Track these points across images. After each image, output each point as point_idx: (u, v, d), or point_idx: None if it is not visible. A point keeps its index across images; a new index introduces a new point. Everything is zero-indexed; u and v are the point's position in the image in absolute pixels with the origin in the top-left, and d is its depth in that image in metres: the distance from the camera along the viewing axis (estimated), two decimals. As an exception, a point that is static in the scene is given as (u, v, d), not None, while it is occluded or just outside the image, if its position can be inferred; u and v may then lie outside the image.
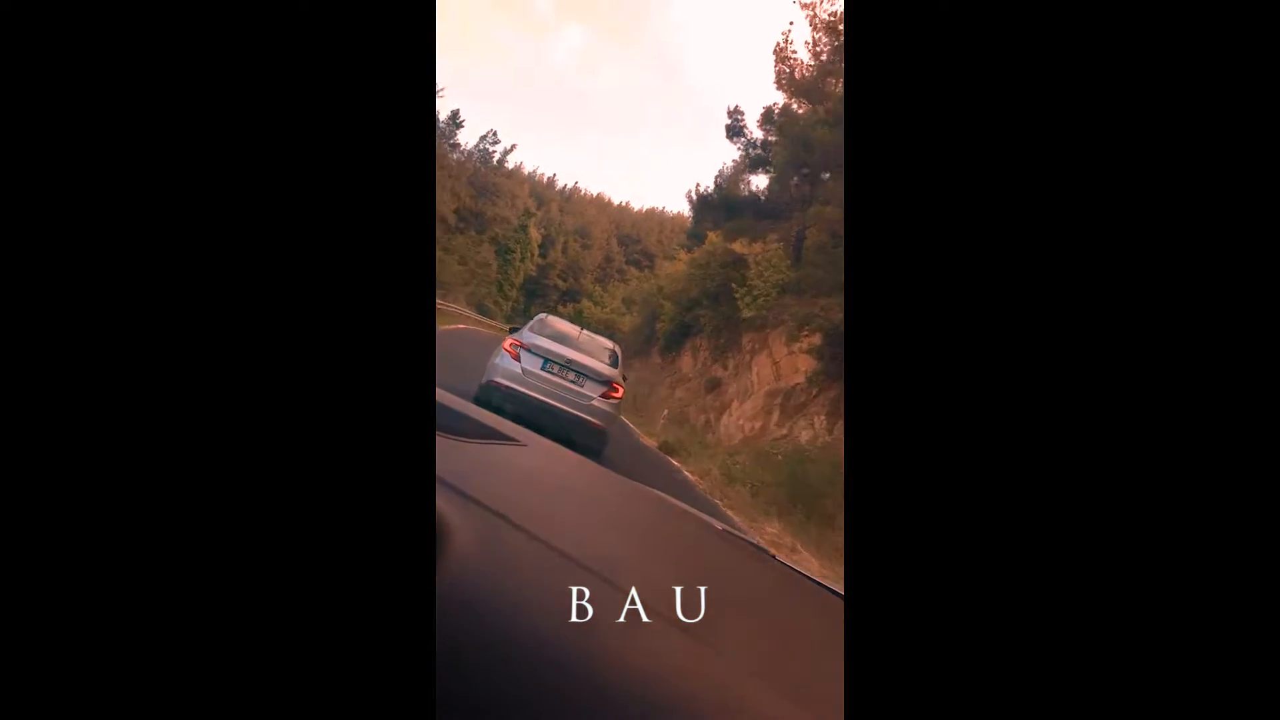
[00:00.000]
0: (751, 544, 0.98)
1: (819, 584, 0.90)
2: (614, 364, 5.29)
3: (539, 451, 0.84)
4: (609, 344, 5.79)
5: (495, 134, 36.54)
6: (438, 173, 29.72)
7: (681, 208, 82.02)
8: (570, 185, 63.35)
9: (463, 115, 36.56)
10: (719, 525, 1.02)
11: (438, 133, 31.05)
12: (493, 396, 4.69)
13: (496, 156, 36.37)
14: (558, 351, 4.91)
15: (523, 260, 39.70)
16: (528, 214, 40.93)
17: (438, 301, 22.26)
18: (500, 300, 38.02)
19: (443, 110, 31.77)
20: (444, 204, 29.01)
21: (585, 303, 53.04)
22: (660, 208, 65.84)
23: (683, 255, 23.88)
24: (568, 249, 55.86)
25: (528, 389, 4.74)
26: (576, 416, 4.72)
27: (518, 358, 4.84)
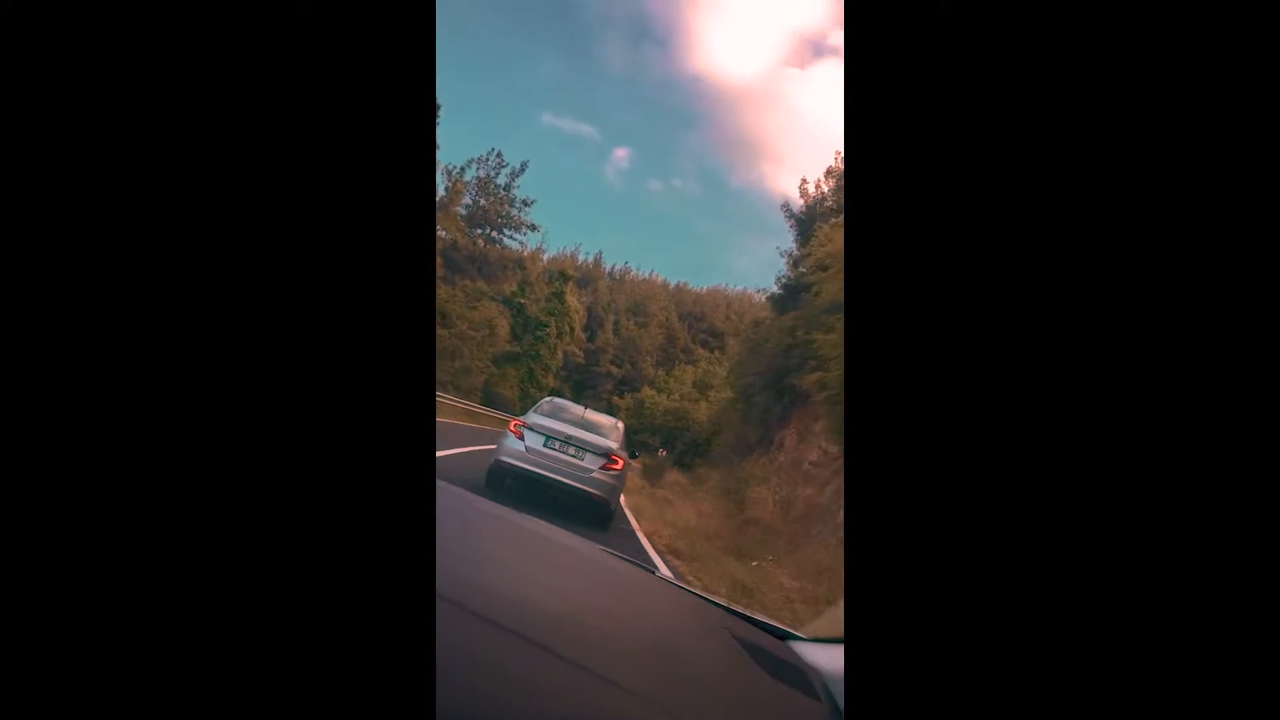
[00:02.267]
0: (633, 561, 1.03)
1: (705, 598, 1.02)
2: (614, 438, 5.42)
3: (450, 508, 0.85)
4: (612, 420, 6.01)
5: (500, 155, 25.57)
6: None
7: (745, 284, 72.28)
8: (619, 266, 54.52)
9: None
10: (608, 553, 1.04)
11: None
12: (499, 474, 5.04)
13: (502, 181, 25.38)
14: (557, 428, 5.07)
15: (560, 337, 29.60)
16: (563, 276, 31.16)
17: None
18: (532, 389, 27.69)
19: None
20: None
21: (647, 391, 42.49)
22: (723, 285, 56.18)
23: (825, 229, 12.37)
24: (620, 328, 46.14)
25: (530, 465, 4.92)
26: (577, 488, 4.89)
27: (521, 436, 5.05)
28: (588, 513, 4.89)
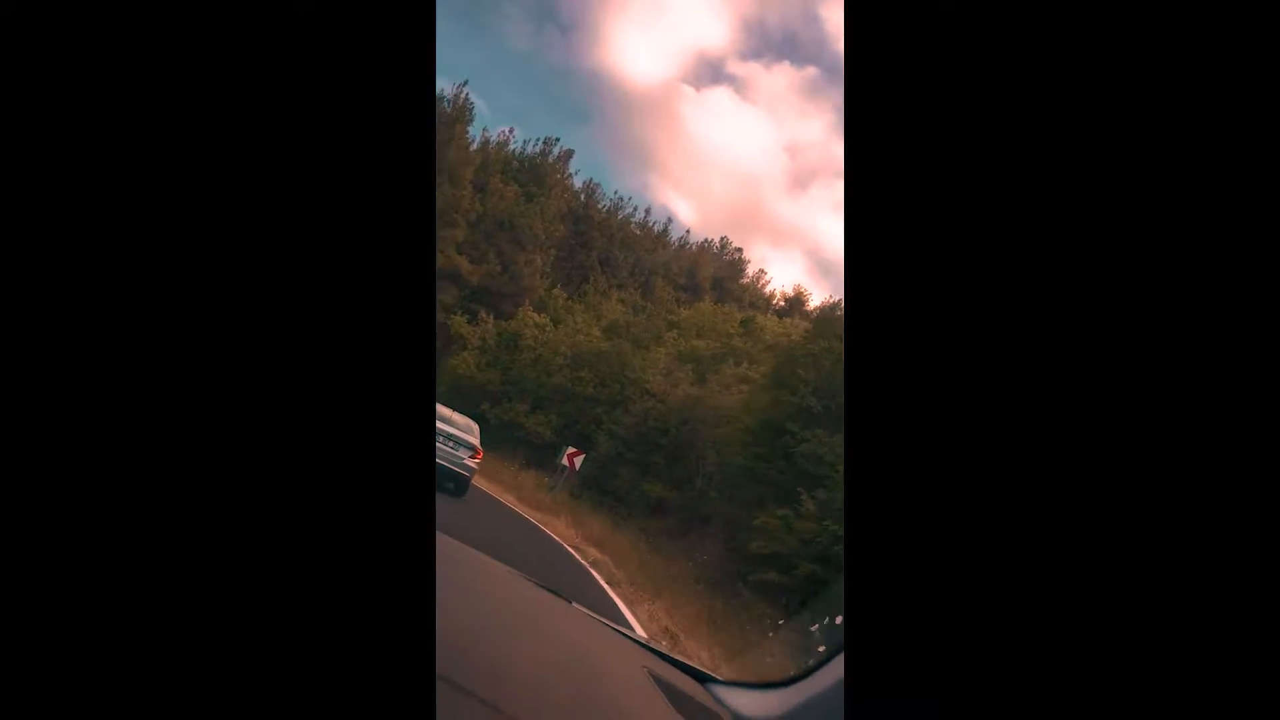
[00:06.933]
0: (547, 588, 1.01)
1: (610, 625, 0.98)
2: (474, 436, 8.44)
3: None
4: (473, 423, 8.98)
5: None
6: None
7: (658, 221, 50.99)
8: (502, 129, 31.27)
9: None
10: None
11: None
12: None
13: None
14: (442, 428, 7.81)
15: None
16: None
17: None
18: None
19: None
20: None
21: (530, 316, 20.34)
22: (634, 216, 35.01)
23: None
24: (490, 192, 23.49)
25: None
26: (453, 469, 7.84)
27: None
28: (456, 484, 7.80)
